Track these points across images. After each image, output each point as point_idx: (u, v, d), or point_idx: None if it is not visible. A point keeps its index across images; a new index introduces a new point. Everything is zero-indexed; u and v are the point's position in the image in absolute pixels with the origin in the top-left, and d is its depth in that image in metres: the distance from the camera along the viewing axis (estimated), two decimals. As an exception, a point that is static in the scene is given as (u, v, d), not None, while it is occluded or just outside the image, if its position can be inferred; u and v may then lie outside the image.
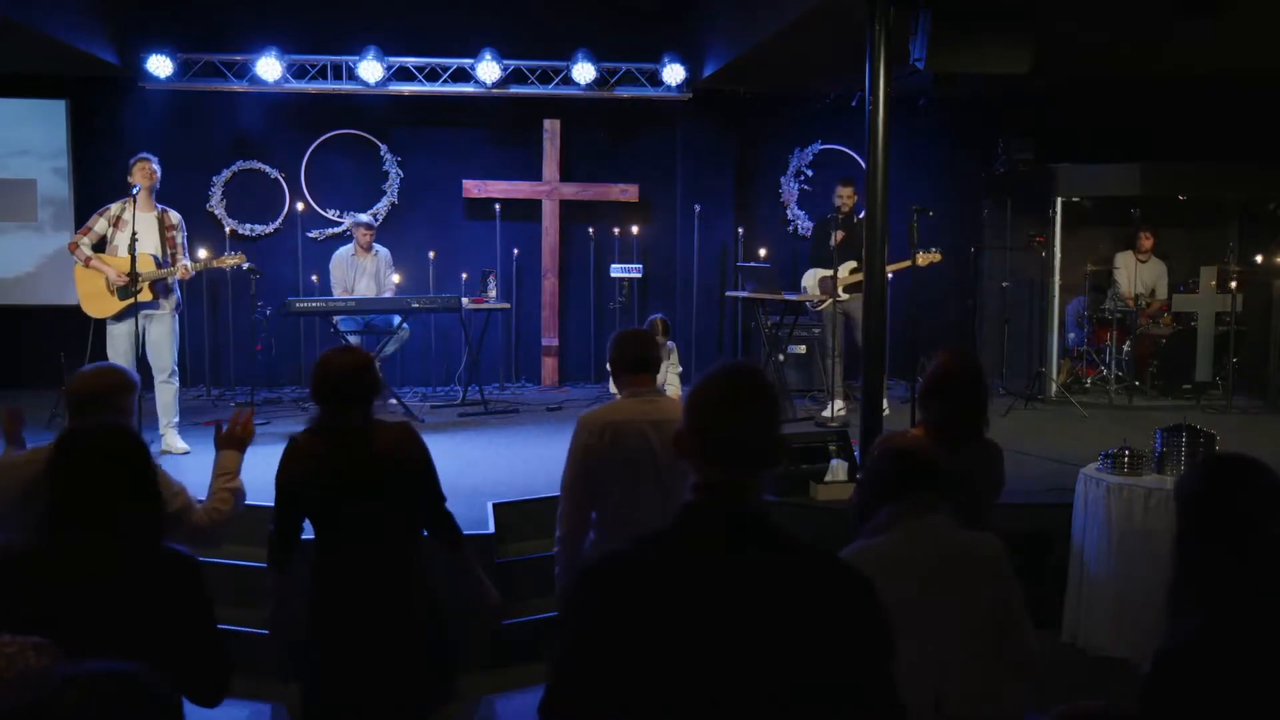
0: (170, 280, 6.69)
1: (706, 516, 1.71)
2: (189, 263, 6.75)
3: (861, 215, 6.75)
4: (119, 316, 6.60)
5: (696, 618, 1.62)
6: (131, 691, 1.28)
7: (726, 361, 1.84)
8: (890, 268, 7.35)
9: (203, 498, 3.32)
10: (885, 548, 2.62)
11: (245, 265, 8.20)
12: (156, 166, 6.71)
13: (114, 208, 6.70)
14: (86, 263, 6.65)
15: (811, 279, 8.30)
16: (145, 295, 6.50)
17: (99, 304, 6.66)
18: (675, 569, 1.66)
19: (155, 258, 6.60)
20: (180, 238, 6.78)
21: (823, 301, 8.11)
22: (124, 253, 6.59)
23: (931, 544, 2.63)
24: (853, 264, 7.81)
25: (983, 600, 2.62)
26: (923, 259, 7.97)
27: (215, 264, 7.20)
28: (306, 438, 3.16)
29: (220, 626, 2.50)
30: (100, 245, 6.71)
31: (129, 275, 6.36)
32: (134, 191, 6.54)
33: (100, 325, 6.74)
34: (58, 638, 1.83)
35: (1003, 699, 2.63)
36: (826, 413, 7.88)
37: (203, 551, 2.64)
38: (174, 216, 6.79)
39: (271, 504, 3.24)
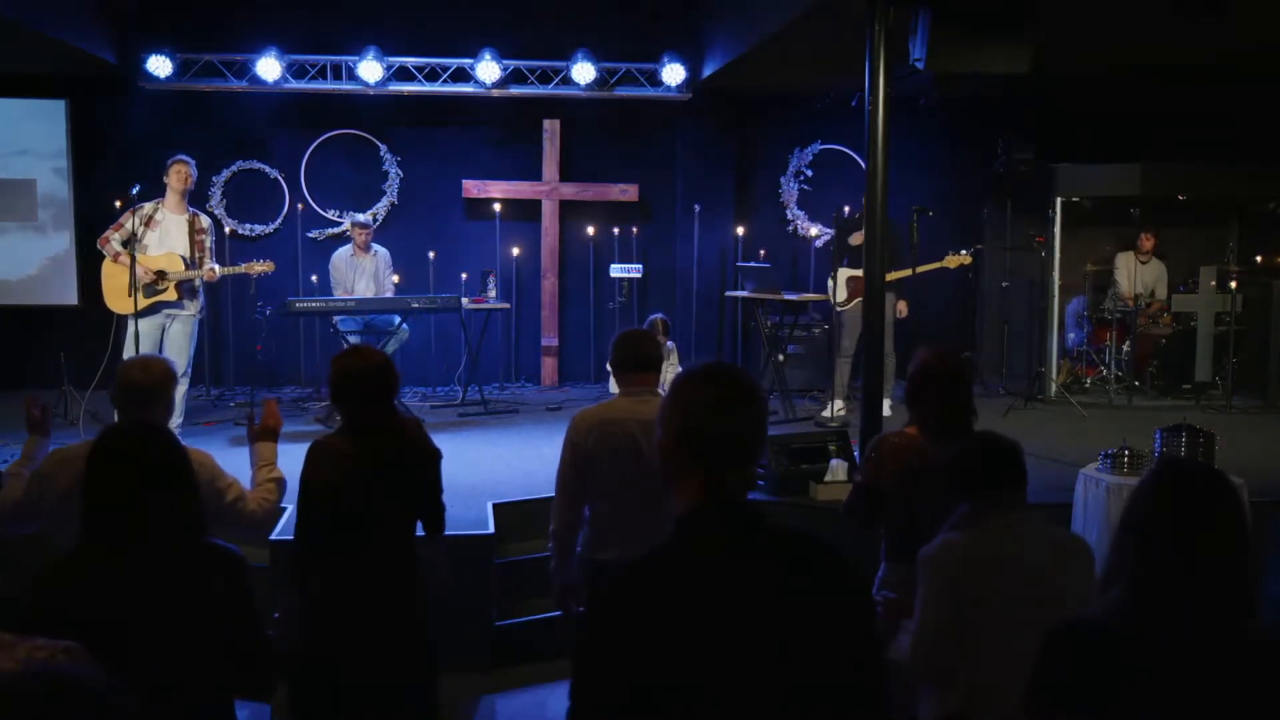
0: (196, 283, 6.75)
1: (712, 519, 1.71)
2: (216, 266, 6.80)
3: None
4: (142, 314, 6.65)
5: (712, 621, 1.63)
6: (77, 698, 1.28)
7: (704, 363, 1.83)
8: (920, 268, 7.41)
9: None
10: (983, 544, 2.61)
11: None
12: (193, 170, 6.80)
13: (147, 207, 6.77)
14: (115, 258, 6.74)
15: (841, 277, 8.24)
16: (170, 295, 6.60)
17: (123, 300, 6.73)
18: (687, 575, 1.67)
19: (184, 259, 6.67)
20: (209, 241, 6.89)
21: (849, 301, 8.07)
22: (154, 252, 6.65)
23: (1031, 541, 2.63)
24: None
25: (1075, 599, 2.62)
26: (953, 261, 8.01)
27: (244, 270, 7.24)
28: (341, 440, 3.17)
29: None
30: (129, 243, 6.75)
31: (158, 272, 6.44)
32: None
33: (121, 321, 6.81)
34: (110, 638, 1.82)
35: None
36: (826, 412, 7.89)
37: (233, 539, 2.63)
38: (204, 220, 6.89)
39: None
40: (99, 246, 6.87)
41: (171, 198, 6.76)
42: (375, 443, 3.14)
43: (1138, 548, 1.97)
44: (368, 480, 3.11)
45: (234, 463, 3.45)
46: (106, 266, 6.80)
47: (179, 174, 6.71)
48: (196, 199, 9.41)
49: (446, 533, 3.54)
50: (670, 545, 1.72)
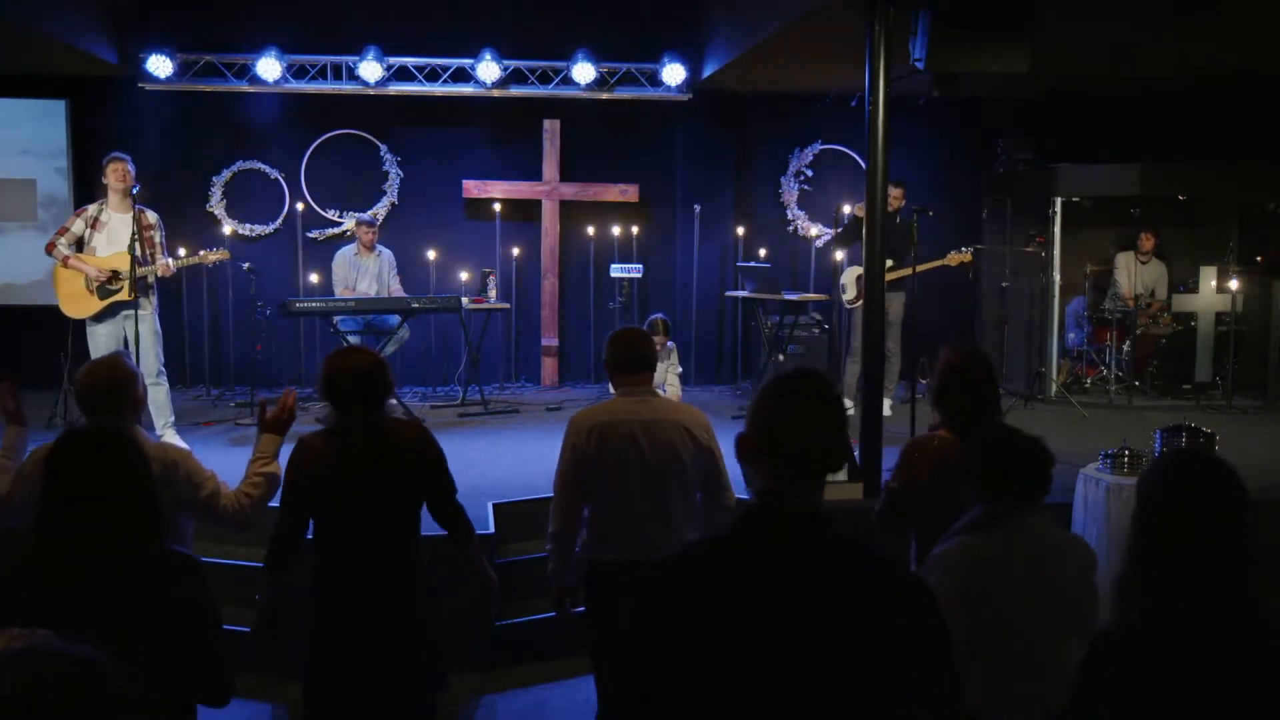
0: (150, 279, 6.66)
1: (768, 520, 1.73)
2: (169, 260, 6.73)
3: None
4: (99, 317, 6.59)
5: (755, 618, 1.64)
6: (76, 677, 1.27)
7: (793, 367, 1.85)
8: (922, 266, 7.40)
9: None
10: (994, 546, 2.60)
11: (246, 265, 8.18)
12: (131, 167, 6.67)
13: (91, 208, 6.70)
14: (65, 262, 6.61)
15: (851, 276, 8.24)
16: (126, 295, 6.47)
17: (79, 304, 6.63)
18: (732, 571, 1.68)
19: (136, 256, 6.58)
20: (159, 237, 6.74)
21: (859, 299, 8.06)
22: (102, 253, 6.58)
23: (1037, 545, 2.62)
24: (889, 262, 7.76)
25: (1079, 602, 2.62)
26: (954, 259, 8.00)
27: (196, 260, 7.16)
28: (320, 439, 3.16)
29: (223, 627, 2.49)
30: (78, 247, 6.68)
31: (112, 273, 6.36)
32: (134, 191, 6.53)
33: (80, 326, 6.71)
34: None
35: None
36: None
37: (231, 538, 2.62)
38: (151, 216, 6.74)
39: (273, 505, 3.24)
40: (47, 253, 6.72)
41: (113, 197, 6.65)
42: (355, 444, 3.11)
43: (1153, 547, 1.96)
44: (344, 481, 3.09)
45: (233, 463, 3.44)
46: (58, 272, 6.66)
47: (116, 172, 6.60)
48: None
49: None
50: (719, 539, 1.75)
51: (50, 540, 2.30)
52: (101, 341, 6.53)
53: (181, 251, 7.65)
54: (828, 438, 1.75)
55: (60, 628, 2.09)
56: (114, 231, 6.63)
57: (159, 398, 6.66)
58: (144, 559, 2.32)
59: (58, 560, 2.27)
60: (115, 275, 6.50)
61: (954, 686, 1.75)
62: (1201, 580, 1.92)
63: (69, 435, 2.41)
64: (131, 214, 6.61)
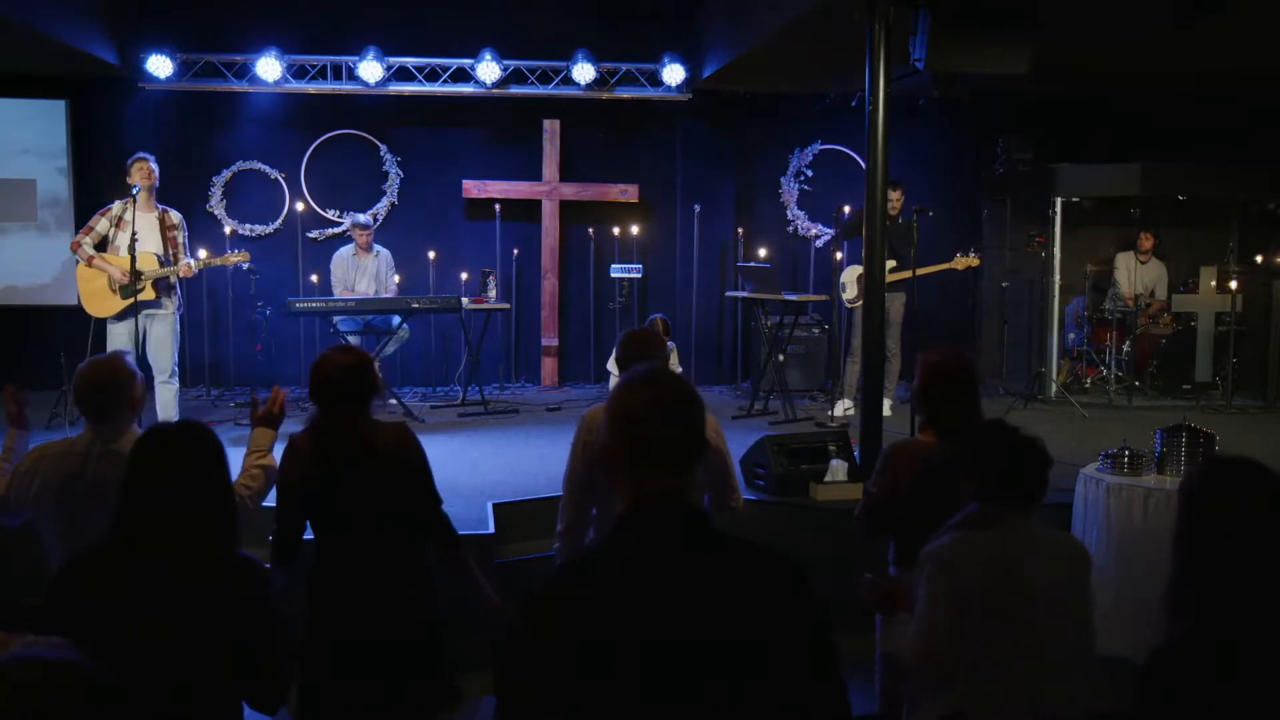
0: (173, 279, 6.71)
1: (652, 524, 1.69)
2: (191, 261, 6.77)
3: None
4: (120, 316, 6.62)
5: (650, 624, 1.61)
6: (65, 683, 1.26)
7: (645, 367, 1.81)
8: (928, 269, 7.41)
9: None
10: (987, 545, 2.60)
11: (247, 265, 8.20)
12: (155, 166, 6.71)
13: (115, 207, 6.73)
14: (89, 261, 6.67)
15: (852, 275, 8.24)
16: (148, 294, 6.54)
17: (101, 303, 6.68)
18: (620, 575, 1.65)
19: (158, 256, 6.62)
20: (181, 237, 6.80)
21: (860, 299, 8.07)
22: (125, 252, 6.61)
23: (1032, 543, 2.62)
24: (892, 263, 7.78)
25: (1072, 602, 2.62)
26: (961, 262, 8.01)
27: (218, 262, 7.21)
28: (305, 438, 3.15)
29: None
30: (102, 245, 6.74)
31: (131, 274, 6.38)
32: (134, 192, 6.55)
33: (100, 324, 6.76)
34: (130, 641, 1.80)
35: (1083, 698, 2.62)
36: (834, 412, 7.89)
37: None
38: (175, 216, 6.81)
39: (273, 504, 3.24)
40: (71, 251, 6.79)
41: (139, 196, 6.71)
42: (336, 443, 3.10)
43: (1204, 558, 1.94)
44: (330, 480, 3.08)
45: (233, 464, 3.44)
46: (81, 270, 6.71)
47: (141, 171, 6.62)
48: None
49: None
50: (606, 546, 1.71)
51: (128, 539, 2.29)
52: (121, 340, 6.58)
53: (201, 253, 7.68)
54: (697, 428, 1.73)
55: (131, 627, 2.10)
56: (137, 231, 6.67)
57: (166, 396, 6.70)
58: (216, 561, 2.31)
59: (134, 559, 2.26)
60: (138, 274, 6.54)
61: (834, 683, 1.72)
62: (1254, 588, 1.89)
63: (155, 432, 2.40)
64: (155, 213, 6.68)
